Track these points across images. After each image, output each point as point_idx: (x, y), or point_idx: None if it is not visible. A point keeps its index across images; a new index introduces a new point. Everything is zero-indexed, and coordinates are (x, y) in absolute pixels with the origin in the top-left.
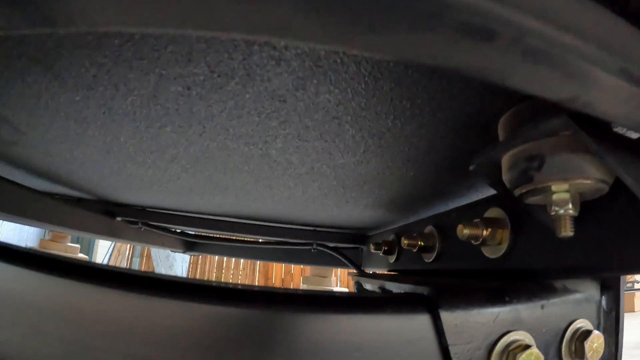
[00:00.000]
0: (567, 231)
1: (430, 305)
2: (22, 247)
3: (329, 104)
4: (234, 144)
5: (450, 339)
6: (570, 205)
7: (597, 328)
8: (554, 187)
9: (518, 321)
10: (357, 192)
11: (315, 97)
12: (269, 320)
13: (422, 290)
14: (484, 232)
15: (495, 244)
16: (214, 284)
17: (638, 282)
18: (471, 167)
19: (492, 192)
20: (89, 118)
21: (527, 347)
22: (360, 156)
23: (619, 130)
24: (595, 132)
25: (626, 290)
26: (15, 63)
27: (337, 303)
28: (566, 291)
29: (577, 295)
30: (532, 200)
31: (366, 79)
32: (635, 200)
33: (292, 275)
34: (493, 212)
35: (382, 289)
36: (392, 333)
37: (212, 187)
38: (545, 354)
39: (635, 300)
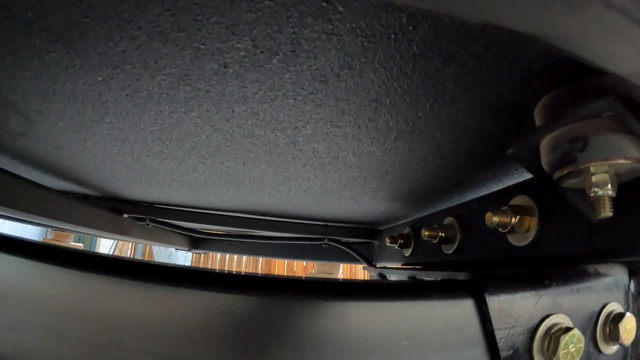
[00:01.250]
0: (606, 212)
1: (475, 291)
2: (33, 241)
3: (371, 85)
4: (261, 131)
5: (495, 323)
6: (609, 186)
7: (627, 311)
8: (593, 169)
9: (557, 305)
10: (377, 184)
11: (359, 77)
12: (314, 310)
13: (463, 276)
14: (513, 220)
15: (522, 231)
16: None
17: None
18: (509, 151)
19: (514, 181)
20: (109, 102)
21: (568, 329)
22: (389, 143)
23: None
24: (637, 113)
25: None
26: (34, 40)
27: (380, 291)
28: (598, 275)
29: (608, 279)
30: (570, 183)
31: (416, 57)
32: None
33: (295, 273)
34: (520, 200)
35: (413, 279)
36: (439, 319)
37: (228, 180)
38: (585, 340)
39: None
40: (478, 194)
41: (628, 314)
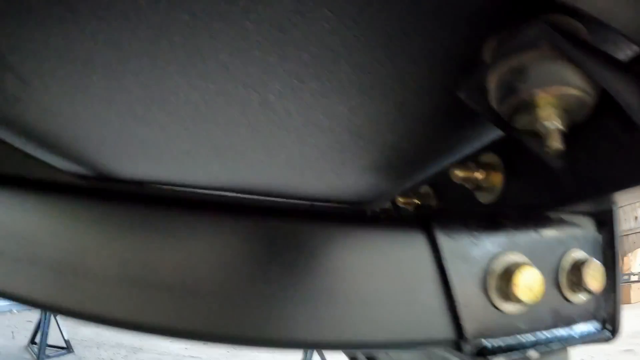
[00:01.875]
0: (556, 142)
1: (426, 224)
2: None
3: (325, 33)
4: (233, 87)
5: (446, 257)
6: (556, 119)
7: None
8: (539, 102)
9: (514, 244)
10: (353, 151)
11: (312, 25)
12: (272, 233)
13: (418, 214)
14: (478, 175)
15: (489, 187)
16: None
17: (634, 275)
18: (459, 94)
19: (485, 144)
20: (96, 57)
21: (525, 266)
22: (354, 100)
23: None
24: (574, 43)
25: (622, 282)
26: None
27: (337, 217)
28: (561, 221)
29: (574, 227)
30: (521, 123)
31: (362, 3)
32: (618, 118)
33: None
34: (487, 158)
35: None
36: (389, 250)
37: (210, 148)
38: (546, 284)
39: (631, 292)
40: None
41: (593, 260)
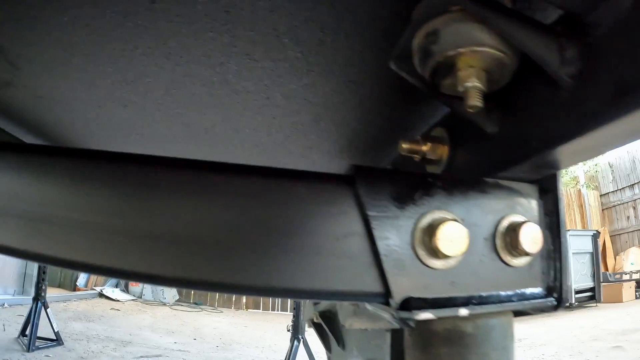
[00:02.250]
0: (475, 100)
1: (351, 181)
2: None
3: (265, 11)
4: (195, 68)
5: (370, 213)
6: (475, 78)
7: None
8: (459, 63)
9: (443, 203)
10: (316, 133)
11: (252, 2)
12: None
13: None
14: (424, 147)
15: (436, 160)
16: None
17: (626, 274)
18: (390, 64)
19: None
20: (74, 41)
21: (448, 220)
22: (306, 79)
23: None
24: (484, 5)
25: (614, 281)
26: None
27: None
28: (500, 187)
29: (513, 193)
30: (446, 86)
31: None
32: (542, 78)
33: None
34: (435, 132)
35: None
36: (318, 207)
37: (184, 130)
38: (480, 247)
39: (623, 290)
40: None
41: (529, 222)
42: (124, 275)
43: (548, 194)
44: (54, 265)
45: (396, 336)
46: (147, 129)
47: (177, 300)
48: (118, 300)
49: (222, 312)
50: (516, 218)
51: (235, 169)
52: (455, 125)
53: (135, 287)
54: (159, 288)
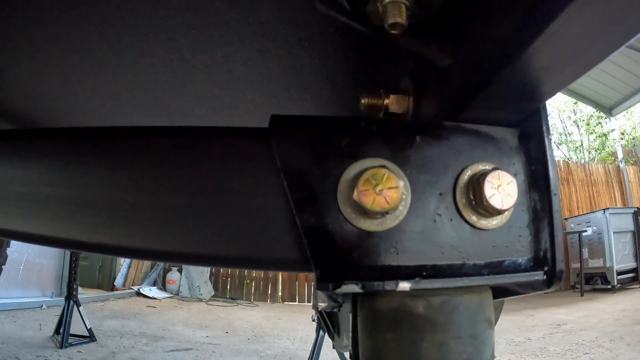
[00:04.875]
0: (395, 18)
1: (265, 134)
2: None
3: None
4: (151, 47)
5: (284, 164)
6: None
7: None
8: None
9: (379, 152)
10: (287, 104)
11: None
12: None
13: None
14: (386, 101)
15: (402, 113)
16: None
17: None
18: (318, 6)
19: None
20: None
21: (376, 169)
22: (257, 42)
23: None
24: None
25: None
26: None
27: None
28: (460, 130)
29: (481, 138)
30: (372, 13)
31: None
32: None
33: None
34: (401, 84)
35: None
36: (232, 165)
37: (167, 116)
38: (433, 204)
39: None
40: None
41: (497, 170)
42: (48, 242)
43: (531, 138)
44: None
45: (353, 318)
46: (133, 118)
47: (212, 296)
48: (155, 298)
49: (257, 305)
50: (484, 167)
51: (149, 131)
52: (419, 72)
53: (172, 284)
54: (195, 285)
